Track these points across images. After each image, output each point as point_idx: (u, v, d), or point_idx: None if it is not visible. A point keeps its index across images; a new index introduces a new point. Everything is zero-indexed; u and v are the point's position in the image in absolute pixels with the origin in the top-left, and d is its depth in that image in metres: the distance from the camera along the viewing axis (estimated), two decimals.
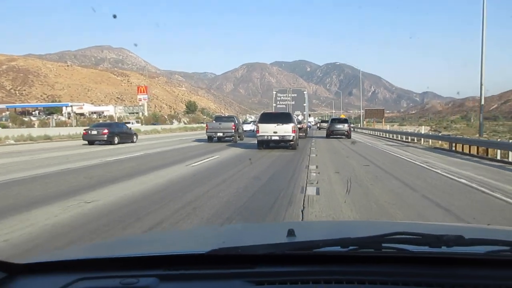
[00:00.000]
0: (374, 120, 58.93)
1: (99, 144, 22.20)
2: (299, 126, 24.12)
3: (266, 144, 18.39)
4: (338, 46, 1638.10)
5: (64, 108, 73.90)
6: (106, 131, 22.50)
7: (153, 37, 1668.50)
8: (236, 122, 26.23)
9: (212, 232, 2.22)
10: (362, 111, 64.01)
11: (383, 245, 1.22)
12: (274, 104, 28.26)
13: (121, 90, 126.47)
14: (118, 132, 23.64)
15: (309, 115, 33.28)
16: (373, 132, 43.34)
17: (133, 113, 66.75)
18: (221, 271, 1.19)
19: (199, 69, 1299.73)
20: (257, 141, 18.42)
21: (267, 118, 18.58)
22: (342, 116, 43.39)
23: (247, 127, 37.50)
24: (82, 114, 68.95)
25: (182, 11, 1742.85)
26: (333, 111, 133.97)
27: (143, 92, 68.14)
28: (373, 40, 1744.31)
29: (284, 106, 27.93)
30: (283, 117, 18.51)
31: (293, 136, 17.79)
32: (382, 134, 38.23)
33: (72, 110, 64.50)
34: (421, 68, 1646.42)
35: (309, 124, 36.79)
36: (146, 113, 66.67)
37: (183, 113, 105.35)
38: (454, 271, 1.19)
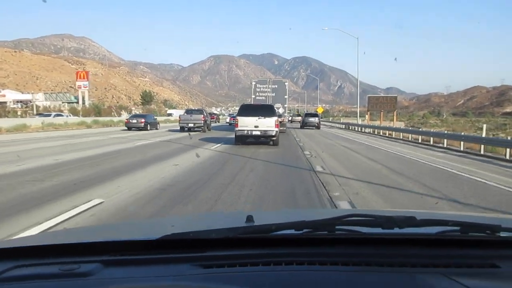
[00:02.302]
0: (368, 113, 42.83)
1: (137, 130, 28.77)
2: (279, 120, 25.34)
3: (244, 139, 16.49)
4: (306, 40, 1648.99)
5: None
6: (143, 119, 30.24)
7: (118, 27, 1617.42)
8: (205, 114, 29.41)
9: (166, 221, 2.13)
10: (358, 107, 46.71)
11: (337, 227, 1.22)
12: (253, 96, 26.79)
13: (75, 78, 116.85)
14: (150, 122, 31.31)
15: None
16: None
17: (71, 102, 57.46)
18: (170, 256, 1.16)
19: (165, 60, 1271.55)
20: (235, 136, 16.42)
21: (247, 110, 16.78)
22: (320, 110, 51.25)
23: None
24: (3, 103, 55.87)
25: (149, 1, 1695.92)
26: (301, 105, 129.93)
27: (83, 78, 55.28)
28: (340, 35, 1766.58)
29: (263, 98, 26.67)
30: (265, 110, 16.72)
31: (276, 131, 16.25)
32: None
33: None
34: (386, 64, 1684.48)
35: (289, 118, 38.04)
36: (87, 103, 55.20)
37: (139, 104, 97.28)
38: (405, 251, 1.21)
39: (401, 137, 26.54)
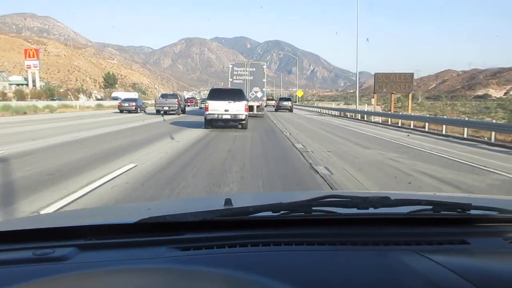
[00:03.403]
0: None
1: (128, 113, 31.19)
2: (257, 104, 25.88)
3: (214, 123, 16.83)
4: (279, 23, 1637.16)
5: None
6: (134, 103, 33.10)
7: (85, 7, 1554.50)
8: (179, 98, 32.06)
9: (145, 206, 2.01)
10: (357, 90, 42.72)
11: (313, 208, 1.25)
12: (230, 79, 26.42)
13: None
14: (140, 105, 33.58)
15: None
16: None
17: (20, 84, 50.95)
18: (146, 239, 1.16)
19: (135, 43, 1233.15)
20: (205, 119, 16.83)
21: (217, 94, 17.13)
22: (300, 93, 57.67)
23: None
24: None
25: None
26: (274, 89, 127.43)
27: (33, 57, 48.22)
28: (313, 18, 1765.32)
29: (241, 81, 26.20)
30: (235, 94, 17.20)
31: (245, 115, 16.72)
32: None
33: None
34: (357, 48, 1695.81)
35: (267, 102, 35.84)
36: (38, 85, 47.86)
37: (102, 86, 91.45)
38: (379, 230, 1.26)
39: (389, 123, 24.78)
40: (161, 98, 32.00)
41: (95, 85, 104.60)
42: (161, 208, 1.81)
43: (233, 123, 16.80)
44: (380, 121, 26.19)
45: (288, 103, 41.06)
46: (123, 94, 56.22)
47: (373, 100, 34.30)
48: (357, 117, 31.01)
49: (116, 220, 1.34)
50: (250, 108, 25.51)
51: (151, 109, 34.77)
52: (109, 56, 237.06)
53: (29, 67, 45.77)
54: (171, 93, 38.92)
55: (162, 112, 29.16)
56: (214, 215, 1.21)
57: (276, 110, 39.85)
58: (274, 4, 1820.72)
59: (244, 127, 16.75)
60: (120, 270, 0.97)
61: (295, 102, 70.12)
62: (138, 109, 32.89)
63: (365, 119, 28.76)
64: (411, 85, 32.77)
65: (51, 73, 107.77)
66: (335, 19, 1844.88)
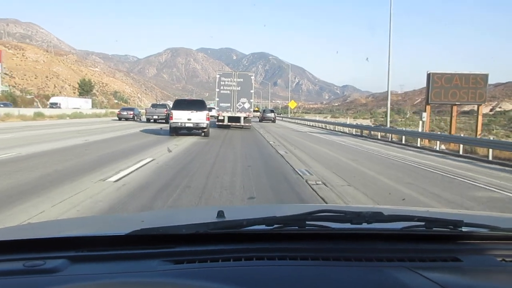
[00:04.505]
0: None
1: (125, 120, 35.05)
2: (244, 115, 25.85)
3: (178, 130, 18.24)
4: (265, 36, 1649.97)
5: None
6: (132, 112, 37.27)
7: (69, 15, 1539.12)
8: (167, 108, 31.67)
9: (137, 217, 2.07)
10: (389, 100, 32.72)
11: (307, 222, 1.25)
12: (217, 89, 26.05)
13: (11, 65, 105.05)
14: (137, 114, 37.34)
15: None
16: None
17: None
18: (139, 251, 1.15)
19: (120, 51, 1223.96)
20: (170, 127, 18.34)
21: (180, 105, 18.61)
22: (293, 104, 56.35)
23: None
24: None
25: None
26: (260, 101, 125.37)
27: None
28: (299, 31, 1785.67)
29: (228, 91, 25.82)
30: (197, 104, 18.86)
31: (207, 124, 18.03)
32: None
33: None
34: (342, 62, 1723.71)
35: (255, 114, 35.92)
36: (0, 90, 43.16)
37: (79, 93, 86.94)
38: (372, 246, 1.25)
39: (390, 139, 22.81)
40: (151, 107, 34.81)
41: (74, 92, 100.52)
42: (154, 220, 1.80)
43: (196, 131, 18.34)
44: (397, 140, 21.47)
45: (271, 115, 45.73)
46: (62, 100, 50.30)
47: (424, 114, 22.72)
48: (373, 135, 25.36)
49: (107, 232, 1.31)
50: (237, 119, 25.86)
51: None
52: (91, 64, 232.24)
53: None
54: (160, 103, 42.46)
55: (152, 120, 32.17)
56: (207, 228, 1.20)
57: (260, 121, 43.19)
58: (260, 16, 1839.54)
59: (206, 134, 18.29)
60: (112, 283, 0.95)
61: (286, 114, 70.38)
62: (135, 117, 36.87)
63: (378, 137, 24.36)
64: (484, 93, 22.04)
65: (28, 79, 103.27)
66: (321, 32, 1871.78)
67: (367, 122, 59.68)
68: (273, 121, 44.77)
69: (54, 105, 46.20)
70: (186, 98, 25.92)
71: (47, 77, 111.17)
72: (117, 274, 1.02)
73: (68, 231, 1.43)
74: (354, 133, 28.63)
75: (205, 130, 18.07)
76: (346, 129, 31.72)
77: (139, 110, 41.51)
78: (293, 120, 53.89)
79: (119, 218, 2.09)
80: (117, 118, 36.76)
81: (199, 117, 17.75)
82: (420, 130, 21.83)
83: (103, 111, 53.60)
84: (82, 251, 1.12)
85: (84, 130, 20.38)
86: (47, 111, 39.51)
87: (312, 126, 40.96)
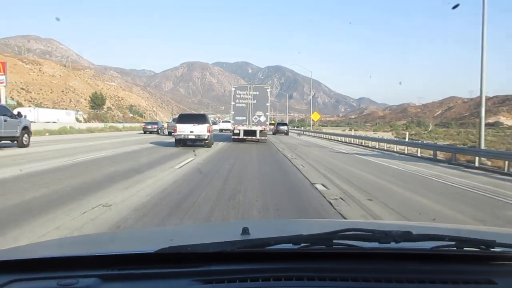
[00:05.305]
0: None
1: (150, 133, 38.84)
2: (260, 128, 25.48)
3: (183, 142, 19.75)
4: (280, 49, 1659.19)
5: None
6: (156, 126, 40.85)
7: (88, 31, 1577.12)
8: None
9: (163, 232, 2.15)
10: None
11: (334, 241, 1.23)
12: (232, 103, 25.72)
13: (27, 79, 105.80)
14: (160, 127, 40.57)
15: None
16: None
17: None
18: (168, 270, 1.17)
19: (137, 66, 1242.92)
20: (175, 139, 19.90)
21: (184, 119, 20.46)
22: (316, 117, 53.52)
23: (224, 126, 44.89)
24: None
25: (122, 6, 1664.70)
26: (277, 114, 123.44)
27: None
28: (314, 45, 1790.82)
29: (244, 105, 25.34)
30: (199, 118, 20.39)
31: (208, 136, 19.59)
32: None
33: None
34: (358, 75, 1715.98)
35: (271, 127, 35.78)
36: (3, 102, 39.59)
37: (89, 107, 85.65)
38: (402, 266, 1.23)
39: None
40: (172, 121, 35.39)
41: (85, 106, 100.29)
42: (180, 236, 1.85)
43: (199, 142, 19.92)
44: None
45: (284, 127, 47.87)
46: (30, 111, 43.26)
47: None
48: (410, 152, 21.76)
49: (137, 249, 1.34)
50: (252, 132, 25.43)
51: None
52: (109, 78, 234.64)
53: None
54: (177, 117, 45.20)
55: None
56: (234, 246, 1.20)
57: (274, 133, 44.68)
58: (276, 30, 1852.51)
59: (208, 145, 19.83)
60: None
61: (304, 127, 69.08)
62: (159, 130, 39.57)
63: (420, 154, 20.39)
64: None
65: (44, 93, 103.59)
66: (336, 46, 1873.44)
67: (388, 135, 56.86)
68: (286, 133, 46.64)
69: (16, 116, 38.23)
70: (190, 112, 28.08)
71: (62, 91, 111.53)
72: None
73: (97, 248, 1.47)
74: (419, 155, 20.80)
75: (207, 141, 19.70)
76: (395, 146, 24.57)
77: (162, 124, 43.17)
78: (316, 134, 48.55)
79: (146, 234, 2.10)
80: (142, 132, 40.08)
81: (200, 130, 19.29)
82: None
83: (100, 125, 49.87)
84: (113, 270, 1.13)
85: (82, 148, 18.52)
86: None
87: (344, 142, 34.47)
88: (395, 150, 23.94)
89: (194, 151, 16.20)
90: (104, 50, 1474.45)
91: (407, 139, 26.45)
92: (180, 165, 11.94)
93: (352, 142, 33.04)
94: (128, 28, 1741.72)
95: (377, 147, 26.70)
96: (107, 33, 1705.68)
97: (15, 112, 16.94)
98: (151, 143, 23.15)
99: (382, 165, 15.61)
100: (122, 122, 65.68)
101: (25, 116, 17.93)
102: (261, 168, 12.64)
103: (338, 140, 36.53)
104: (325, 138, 41.15)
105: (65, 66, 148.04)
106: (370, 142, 29.11)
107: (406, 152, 22.59)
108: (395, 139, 31.34)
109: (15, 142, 16.11)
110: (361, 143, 30.57)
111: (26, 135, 16.62)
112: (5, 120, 15.25)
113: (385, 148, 25.44)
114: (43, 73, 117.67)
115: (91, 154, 14.57)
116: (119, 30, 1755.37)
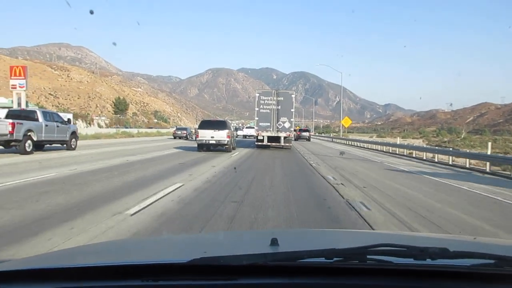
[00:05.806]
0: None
1: (179, 139, 40.53)
2: (284, 134, 25.03)
3: (205, 147, 20.79)
4: (305, 55, 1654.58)
5: None
6: (185, 131, 43.45)
7: (118, 39, 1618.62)
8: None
9: (192, 240, 2.18)
10: None
11: (368, 257, 1.20)
12: (256, 108, 25.35)
13: (56, 85, 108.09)
14: (189, 132, 42.94)
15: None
16: None
17: (4, 107, 43.63)
18: (202, 283, 1.16)
19: (163, 72, 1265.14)
20: (197, 144, 20.99)
21: (205, 125, 21.39)
22: (347, 122, 48.67)
23: (248, 132, 46.15)
24: None
25: (152, 12, 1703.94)
26: (302, 120, 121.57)
27: (19, 75, 38.31)
28: (339, 51, 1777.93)
29: (268, 111, 24.99)
30: (219, 124, 21.35)
31: (228, 141, 20.46)
32: None
33: None
34: (384, 81, 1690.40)
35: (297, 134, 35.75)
36: (23, 107, 40.44)
37: (113, 113, 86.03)
38: (438, 284, 1.19)
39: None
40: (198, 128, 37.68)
41: (109, 111, 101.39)
42: (209, 244, 1.85)
43: (220, 147, 20.77)
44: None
45: (306, 134, 49.21)
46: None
47: None
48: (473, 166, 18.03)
49: (169, 259, 1.33)
50: (277, 139, 25.24)
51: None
52: (135, 84, 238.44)
53: (14, 87, 36.33)
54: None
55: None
56: (267, 259, 1.19)
57: (296, 140, 42.72)
58: (300, 36, 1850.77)
59: (227, 150, 20.59)
60: None
61: (329, 134, 69.29)
62: (188, 136, 41.71)
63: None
64: None
65: (71, 99, 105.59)
66: (362, 52, 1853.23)
67: (418, 142, 54.32)
68: (308, 139, 47.57)
69: None
70: (211, 119, 29.04)
71: (89, 97, 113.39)
72: None
73: (129, 256, 1.50)
74: (488, 170, 16.38)
75: (226, 146, 20.55)
76: (449, 158, 20.04)
77: (191, 130, 44.84)
78: (348, 142, 43.32)
79: (177, 241, 2.09)
80: (173, 137, 42.20)
81: (220, 135, 20.23)
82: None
83: (102, 130, 48.73)
84: (147, 280, 1.13)
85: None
86: None
87: (384, 152, 29.38)
88: (449, 163, 19.50)
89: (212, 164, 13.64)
90: (133, 57, 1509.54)
91: (489, 152, 19.89)
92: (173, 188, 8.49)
93: (396, 152, 27.74)
94: (157, 36, 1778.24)
95: (424, 158, 22.72)
96: (135, 41, 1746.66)
97: (65, 118, 19.00)
98: (177, 147, 24.08)
99: (465, 191, 10.15)
100: (142, 128, 65.63)
101: (74, 123, 20.33)
102: (290, 215, 6.26)
103: (374, 149, 32.17)
104: (357, 146, 36.72)
105: (93, 73, 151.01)
106: (424, 153, 23.89)
107: (467, 166, 18.01)
108: (468, 152, 24.06)
109: (65, 145, 18.29)
110: (410, 153, 25.58)
111: (73, 140, 18.89)
112: (57, 126, 17.44)
113: (436, 160, 21.08)
114: (71, 79, 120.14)
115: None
116: (146, 37, 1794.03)
